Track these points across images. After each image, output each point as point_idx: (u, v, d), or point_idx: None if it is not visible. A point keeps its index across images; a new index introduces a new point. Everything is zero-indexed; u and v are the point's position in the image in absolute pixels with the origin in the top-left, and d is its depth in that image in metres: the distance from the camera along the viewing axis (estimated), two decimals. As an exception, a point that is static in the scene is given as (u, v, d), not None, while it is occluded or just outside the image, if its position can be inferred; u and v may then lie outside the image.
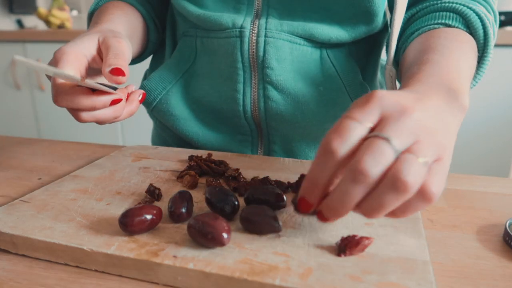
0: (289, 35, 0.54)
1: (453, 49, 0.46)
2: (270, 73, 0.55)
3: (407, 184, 0.27)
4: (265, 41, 0.54)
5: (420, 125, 0.29)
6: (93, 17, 0.60)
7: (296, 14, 0.56)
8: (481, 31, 0.51)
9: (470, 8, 0.51)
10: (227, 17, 0.55)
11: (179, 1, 0.58)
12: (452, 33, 0.49)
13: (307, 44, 0.56)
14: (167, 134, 0.68)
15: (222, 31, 0.55)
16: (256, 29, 0.54)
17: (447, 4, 0.52)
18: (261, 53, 0.54)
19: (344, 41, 0.56)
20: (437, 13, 0.53)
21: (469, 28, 0.51)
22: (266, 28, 0.54)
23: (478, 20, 0.50)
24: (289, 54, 0.55)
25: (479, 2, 0.53)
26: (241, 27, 0.54)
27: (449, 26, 0.51)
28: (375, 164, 0.27)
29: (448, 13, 0.52)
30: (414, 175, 0.27)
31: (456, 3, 0.52)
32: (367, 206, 0.29)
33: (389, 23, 0.61)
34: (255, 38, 0.54)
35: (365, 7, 0.54)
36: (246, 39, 0.54)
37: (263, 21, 0.55)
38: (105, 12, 0.57)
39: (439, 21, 0.52)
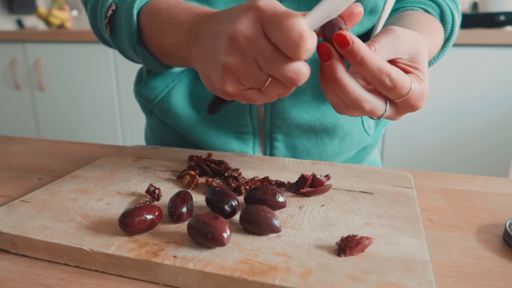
0: None
1: (432, 30, 0.55)
2: None
3: None
4: None
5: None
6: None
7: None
8: (449, 27, 0.59)
9: (447, 4, 0.59)
10: None
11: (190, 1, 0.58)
12: (432, 19, 0.57)
13: None
14: (166, 132, 0.68)
15: None
16: None
17: None
18: None
19: None
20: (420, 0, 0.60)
21: (442, 20, 0.59)
22: None
23: (451, 17, 0.59)
24: None
25: (453, 1, 0.61)
26: None
27: (428, 12, 0.59)
28: None
29: (429, 2, 0.60)
30: None
31: None
32: None
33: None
34: None
35: (373, 1, 0.57)
36: None
37: None
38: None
39: (421, 6, 0.59)
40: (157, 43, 0.49)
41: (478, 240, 0.37)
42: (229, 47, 0.35)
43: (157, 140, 0.72)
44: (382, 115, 0.39)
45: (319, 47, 0.36)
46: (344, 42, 0.34)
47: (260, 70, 0.35)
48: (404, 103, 0.38)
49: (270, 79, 0.36)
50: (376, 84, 0.36)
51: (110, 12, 0.52)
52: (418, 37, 0.41)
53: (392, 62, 0.39)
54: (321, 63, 0.37)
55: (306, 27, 0.32)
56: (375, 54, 0.35)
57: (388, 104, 0.39)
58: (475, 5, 1.95)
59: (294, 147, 0.62)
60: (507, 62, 1.53)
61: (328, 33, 0.35)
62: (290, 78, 0.34)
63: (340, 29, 0.35)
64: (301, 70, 0.34)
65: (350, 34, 0.34)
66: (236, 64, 0.35)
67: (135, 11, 0.50)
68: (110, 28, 0.53)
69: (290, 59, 0.34)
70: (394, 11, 0.63)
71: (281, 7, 0.34)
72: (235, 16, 0.35)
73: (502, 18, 1.54)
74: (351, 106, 0.38)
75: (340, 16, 0.35)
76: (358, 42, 0.34)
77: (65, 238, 0.34)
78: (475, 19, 1.59)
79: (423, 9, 0.59)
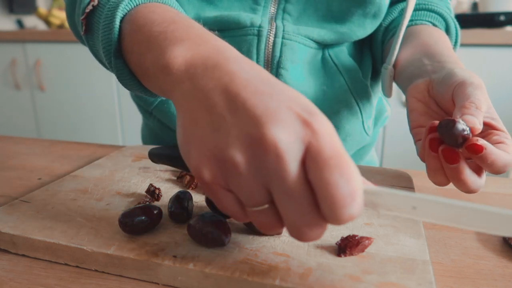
0: (305, 38, 0.56)
1: (449, 48, 0.54)
2: (284, 73, 0.56)
3: None
4: (282, 42, 0.55)
5: None
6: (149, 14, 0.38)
7: (310, 20, 0.58)
8: (453, 38, 0.60)
9: (451, 17, 0.60)
10: (245, 16, 0.56)
11: (193, 2, 0.58)
12: (443, 35, 0.57)
13: (314, 45, 0.57)
14: (166, 133, 0.68)
15: (239, 30, 0.56)
16: (274, 29, 0.56)
17: (435, 8, 0.60)
18: (277, 54, 0.55)
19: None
20: (427, 12, 0.60)
21: (447, 32, 0.60)
22: (284, 31, 0.55)
23: (454, 29, 0.60)
24: (302, 56, 0.56)
25: (451, 11, 0.61)
26: (260, 26, 0.55)
27: (436, 26, 0.59)
28: None
29: (436, 16, 0.59)
30: None
31: (442, 9, 0.60)
32: None
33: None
34: (272, 38, 0.55)
35: (377, 6, 0.58)
36: (264, 39, 0.55)
37: (279, 23, 0.56)
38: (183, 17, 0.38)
39: (429, 20, 0.59)
40: (137, 59, 0.37)
41: (478, 240, 0.37)
42: (246, 143, 0.25)
43: (155, 140, 0.72)
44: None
45: (444, 152, 0.35)
46: (478, 150, 0.33)
47: (264, 191, 0.25)
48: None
49: (266, 206, 0.26)
50: (487, 169, 0.36)
51: (89, 7, 0.41)
52: (478, 79, 0.40)
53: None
54: (433, 154, 0.36)
55: (361, 187, 0.24)
56: (499, 152, 0.34)
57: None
58: (475, 5, 1.95)
59: None
60: (507, 62, 1.53)
61: (453, 142, 0.34)
62: (302, 232, 0.25)
63: (467, 137, 0.33)
64: (319, 233, 0.25)
65: (482, 140, 0.33)
66: (239, 167, 0.25)
67: (119, 14, 0.38)
68: (86, 27, 0.43)
69: (317, 213, 0.25)
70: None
71: (339, 142, 0.25)
72: (278, 114, 0.25)
73: (502, 18, 1.54)
74: (463, 191, 0.37)
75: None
76: (490, 148, 0.33)
77: (65, 238, 0.34)
78: (475, 19, 1.59)
79: (431, 23, 0.59)
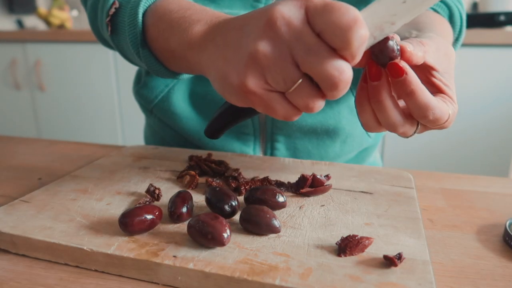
0: None
1: (443, 31, 0.54)
2: None
3: None
4: None
5: None
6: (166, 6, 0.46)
7: None
8: (457, 27, 0.59)
9: (456, 6, 0.59)
10: None
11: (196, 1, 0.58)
12: (443, 21, 0.57)
13: None
14: (166, 132, 0.68)
15: None
16: None
17: None
18: None
19: None
20: None
21: (450, 21, 0.60)
22: None
23: (459, 18, 0.59)
24: None
25: (459, 2, 0.61)
26: None
27: (437, 13, 0.59)
28: None
29: (439, 2, 0.59)
30: None
31: None
32: None
33: None
34: None
35: None
36: None
37: None
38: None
39: (431, 6, 0.58)
40: (163, 44, 0.44)
41: (478, 240, 0.37)
42: (262, 31, 0.30)
43: (157, 140, 0.72)
44: (411, 135, 0.38)
45: (369, 65, 0.34)
46: (398, 72, 0.33)
47: (293, 65, 0.30)
48: (436, 127, 0.37)
49: (301, 80, 0.30)
50: (418, 116, 0.35)
51: (113, 10, 0.48)
52: (451, 49, 0.40)
53: (428, 73, 0.38)
54: (365, 82, 0.36)
55: (360, 15, 0.28)
56: (425, 89, 0.34)
57: (418, 126, 0.38)
58: (475, 5, 1.95)
59: (295, 148, 0.62)
60: (507, 62, 1.53)
61: (381, 57, 0.33)
62: (331, 75, 0.29)
63: (395, 56, 0.33)
64: (345, 69, 0.29)
65: (405, 64, 0.33)
66: (266, 53, 0.29)
67: (140, 10, 0.45)
68: (111, 27, 0.50)
69: (335, 53, 0.29)
70: None
71: None
72: (275, 4, 0.30)
73: (502, 18, 1.54)
74: (386, 127, 0.37)
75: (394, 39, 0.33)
76: (411, 74, 0.33)
77: (65, 238, 0.34)
78: (475, 19, 1.59)
79: (432, 9, 0.59)
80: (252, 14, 0.32)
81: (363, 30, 0.28)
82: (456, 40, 0.62)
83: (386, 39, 0.33)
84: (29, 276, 0.33)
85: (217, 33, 0.35)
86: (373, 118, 0.37)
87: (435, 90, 0.38)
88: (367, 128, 0.38)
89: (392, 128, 0.36)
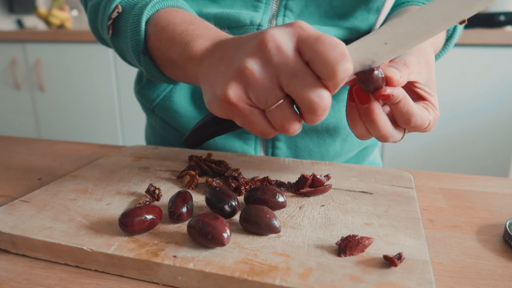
0: None
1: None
2: None
3: None
4: None
5: None
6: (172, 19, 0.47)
7: (312, 17, 0.58)
8: (451, 28, 0.61)
9: None
10: (245, 15, 0.56)
11: (197, 0, 0.58)
12: None
13: None
14: (167, 131, 0.68)
15: (239, 28, 0.56)
16: None
17: None
18: None
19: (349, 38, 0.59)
20: None
21: None
22: None
23: None
24: None
25: None
26: (259, 25, 0.56)
27: None
28: None
29: None
30: None
31: None
32: None
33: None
34: None
35: (380, 4, 0.58)
36: None
37: (280, 20, 0.56)
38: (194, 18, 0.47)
39: (423, 1, 0.59)
40: (164, 53, 0.46)
41: (478, 240, 0.37)
42: (253, 50, 0.32)
43: (158, 139, 0.72)
44: (399, 140, 0.41)
45: (356, 91, 0.37)
46: (385, 97, 0.36)
47: (277, 86, 0.32)
48: (419, 131, 0.41)
49: (282, 101, 0.32)
50: (402, 122, 0.38)
51: (115, 14, 0.50)
52: (431, 57, 0.43)
53: (411, 85, 0.41)
54: (352, 101, 0.38)
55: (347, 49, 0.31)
56: (408, 98, 0.37)
57: (405, 131, 0.41)
58: (475, 5, 1.95)
59: (296, 147, 0.62)
60: (507, 62, 1.53)
61: (367, 85, 0.36)
62: (312, 101, 0.31)
63: (380, 86, 0.36)
64: (325, 96, 0.31)
65: (390, 90, 0.35)
66: (253, 70, 0.32)
67: (144, 19, 0.47)
68: (112, 30, 0.51)
69: (319, 81, 0.31)
70: (397, 5, 0.64)
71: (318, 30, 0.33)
72: (269, 29, 0.33)
73: (502, 18, 1.54)
74: (378, 139, 0.40)
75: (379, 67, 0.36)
76: (397, 93, 0.36)
77: (65, 238, 0.34)
78: (475, 19, 1.59)
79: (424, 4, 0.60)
80: (250, 35, 0.34)
81: (349, 65, 0.30)
82: (450, 36, 0.62)
83: (372, 70, 0.35)
84: (29, 276, 0.33)
85: (216, 49, 0.38)
86: (365, 131, 0.39)
87: (419, 97, 0.41)
88: (361, 138, 0.41)
89: (384, 139, 0.39)
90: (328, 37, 0.31)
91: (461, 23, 0.34)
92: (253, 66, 0.32)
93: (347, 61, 0.30)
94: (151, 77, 0.51)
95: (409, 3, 0.60)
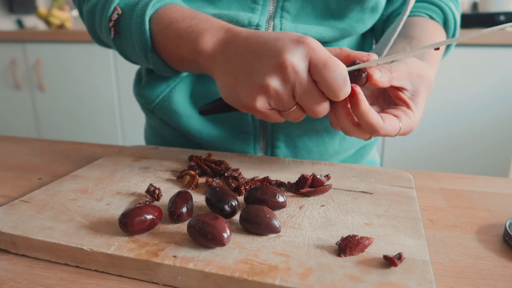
0: None
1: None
2: None
3: None
4: None
5: None
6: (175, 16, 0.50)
7: (308, 19, 0.58)
8: (451, 31, 0.63)
9: (449, 8, 0.62)
10: (243, 15, 0.56)
11: (195, 2, 0.58)
12: (437, 28, 0.61)
13: None
14: (167, 132, 0.68)
15: None
16: (271, 28, 0.56)
17: (435, 0, 0.63)
18: None
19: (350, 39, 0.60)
20: (426, 4, 0.63)
21: (445, 25, 0.63)
22: (281, 29, 0.56)
23: (453, 22, 0.62)
24: None
25: (454, 2, 0.64)
26: (257, 25, 0.56)
27: (433, 19, 0.62)
28: None
29: (435, 8, 0.62)
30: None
31: (442, 1, 0.62)
32: None
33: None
34: None
35: (374, 3, 0.59)
36: None
37: (277, 22, 0.56)
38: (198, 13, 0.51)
39: (427, 13, 0.62)
40: (173, 50, 0.50)
41: (478, 240, 0.37)
42: (274, 70, 0.40)
43: (157, 140, 0.72)
44: (395, 135, 0.45)
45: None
46: (352, 95, 0.41)
47: (292, 98, 0.41)
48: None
49: (295, 107, 0.42)
50: (369, 133, 0.43)
51: (115, 16, 0.53)
52: (426, 72, 0.47)
53: (398, 90, 0.46)
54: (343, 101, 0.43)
55: (347, 75, 0.39)
56: (373, 113, 0.41)
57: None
58: (475, 5, 1.95)
59: (295, 146, 0.62)
60: (507, 62, 1.53)
61: (354, 80, 0.41)
62: (316, 111, 0.42)
63: (362, 84, 0.42)
64: (327, 108, 0.42)
65: (359, 90, 0.41)
66: (275, 88, 0.40)
67: (147, 18, 0.50)
68: (114, 31, 0.54)
69: (324, 97, 0.41)
70: (393, 12, 0.64)
71: (327, 51, 0.40)
72: (285, 46, 0.39)
73: (502, 18, 1.55)
74: (368, 132, 0.43)
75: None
76: (361, 99, 0.41)
77: (65, 238, 0.34)
78: (475, 19, 1.59)
79: (428, 15, 0.62)
80: (265, 47, 0.41)
81: (348, 88, 0.40)
82: (447, 49, 0.65)
83: (353, 64, 0.41)
84: (29, 276, 0.33)
85: (227, 49, 0.44)
86: (350, 124, 0.44)
87: (402, 103, 0.46)
88: (347, 133, 0.45)
89: (374, 133, 0.42)
90: (334, 63, 0.38)
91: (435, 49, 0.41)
92: (275, 84, 0.40)
93: (347, 86, 0.39)
94: (158, 71, 0.55)
95: (412, 13, 0.62)
